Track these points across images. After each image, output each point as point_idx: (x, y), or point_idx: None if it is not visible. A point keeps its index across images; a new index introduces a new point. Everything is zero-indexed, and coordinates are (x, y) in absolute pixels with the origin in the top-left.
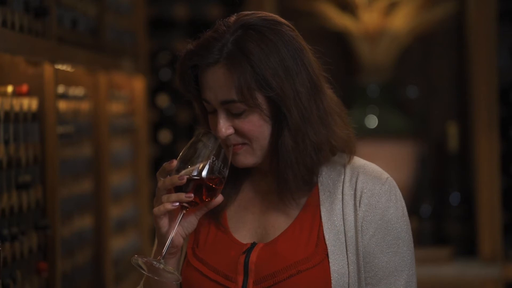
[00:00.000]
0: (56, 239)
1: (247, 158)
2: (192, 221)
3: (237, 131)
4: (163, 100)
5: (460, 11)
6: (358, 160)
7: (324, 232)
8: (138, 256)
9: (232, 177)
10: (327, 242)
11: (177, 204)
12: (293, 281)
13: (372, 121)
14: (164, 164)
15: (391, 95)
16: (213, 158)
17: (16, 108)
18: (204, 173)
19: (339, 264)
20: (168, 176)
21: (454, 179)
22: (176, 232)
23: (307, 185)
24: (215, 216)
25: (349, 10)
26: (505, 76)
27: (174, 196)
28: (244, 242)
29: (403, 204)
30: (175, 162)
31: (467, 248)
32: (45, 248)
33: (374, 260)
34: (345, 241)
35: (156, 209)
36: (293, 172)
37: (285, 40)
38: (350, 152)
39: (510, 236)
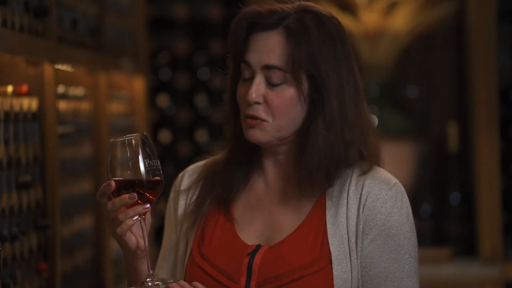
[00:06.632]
0: (56, 239)
1: (262, 134)
2: (148, 218)
3: (266, 103)
4: (163, 100)
5: (460, 11)
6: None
7: (328, 237)
8: None
9: (244, 163)
10: (330, 248)
11: (137, 216)
12: (295, 285)
13: None
14: (102, 187)
15: (391, 95)
16: (144, 157)
17: (16, 108)
18: (143, 174)
19: (342, 269)
20: (111, 196)
21: (454, 179)
22: (141, 237)
23: (328, 180)
24: (224, 208)
25: (349, 10)
26: (505, 76)
27: (131, 211)
28: (250, 243)
29: (409, 211)
30: (113, 183)
31: (467, 248)
32: (45, 248)
33: (371, 265)
34: (349, 247)
35: (119, 229)
36: (319, 158)
37: (342, 39)
38: (375, 163)
39: (510, 236)
